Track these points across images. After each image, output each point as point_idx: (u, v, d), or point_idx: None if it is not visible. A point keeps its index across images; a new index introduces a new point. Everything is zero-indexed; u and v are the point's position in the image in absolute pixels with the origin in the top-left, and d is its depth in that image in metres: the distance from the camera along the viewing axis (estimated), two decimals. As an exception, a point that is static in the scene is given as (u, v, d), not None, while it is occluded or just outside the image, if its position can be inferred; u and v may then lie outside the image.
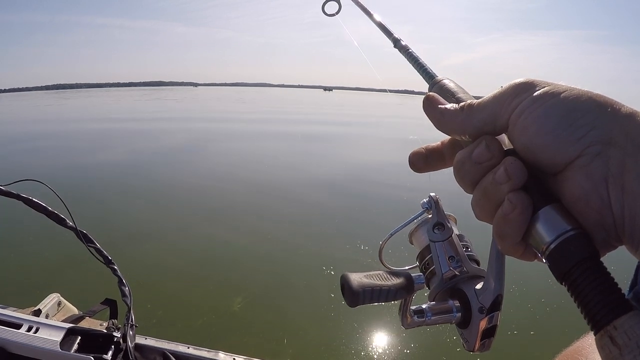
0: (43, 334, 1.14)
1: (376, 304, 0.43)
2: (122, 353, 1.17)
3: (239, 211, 6.45)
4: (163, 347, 1.27)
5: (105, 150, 11.86)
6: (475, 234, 0.49)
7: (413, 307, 0.45)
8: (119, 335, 1.19)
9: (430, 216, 0.48)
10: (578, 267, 0.31)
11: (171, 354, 1.25)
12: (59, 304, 1.42)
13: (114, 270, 1.37)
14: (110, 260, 1.40)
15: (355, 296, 0.41)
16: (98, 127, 19.05)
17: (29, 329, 1.14)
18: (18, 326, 1.15)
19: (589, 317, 0.30)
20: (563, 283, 0.32)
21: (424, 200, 0.48)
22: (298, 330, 3.42)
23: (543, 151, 0.33)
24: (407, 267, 0.49)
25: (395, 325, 3.47)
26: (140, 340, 1.29)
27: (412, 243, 0.51)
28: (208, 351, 1.29)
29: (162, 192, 7.40)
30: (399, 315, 0.46)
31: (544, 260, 0.34)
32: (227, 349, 1.35)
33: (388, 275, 0.43)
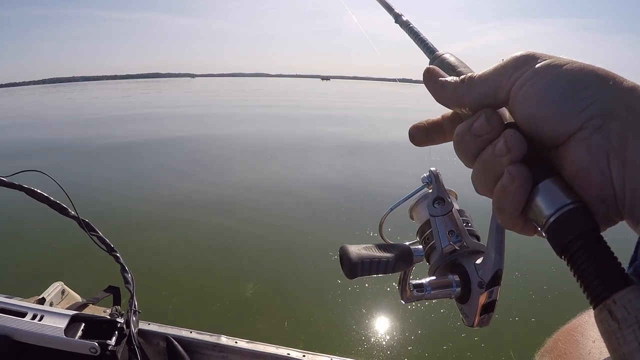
0: (48, 321, 1.15)
1: (375, 276, 0.43)
2: (125, 338, 1.18)
3: (247, 200, 6.47)
4: (166, 332, 1.29)
5: (111, 138, 11.85)
6: (474, 214, 0.49)
7: (412, 282, 0.45)
8: (122, 322, 1.20)
9: (430, 191, 0.47)
10: (578, 241, 0.30)
11: (174, 338, 1.26)
12: (63, 292, 1.43)
13: (117, 258, 1.38)
14: (113, 248, 1.41)
15: (353, 267, 0.41)
16: (103, 116, 18.98)
17: (34, 317, 1.16)
18: (23, 315, 1.16)
19: (588, 290, 0.29)
20: (562, 257, 0.32)
21: (424, 174, 0.48)
22: (309, 316, 3.47)
23: (544, 123, 0.33)
24: (407, 243, 0.49)
25: (403, 311, 3.53)
26: (144, 325, 1.30)
27: (412, 218, 0.51)
28: (210, 335, 1.31)
29: (170, 183, 7.39)
30: (398, 290, 0.46)
31: (544, 234, 0.33)
32: (243, 334, 1.37)
33: (387, 248, 0.44)
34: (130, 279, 1.32)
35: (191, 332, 1.32)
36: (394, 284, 3.97)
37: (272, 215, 5.70)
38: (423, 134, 0.45)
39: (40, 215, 2.78)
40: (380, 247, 0.43)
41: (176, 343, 1.28)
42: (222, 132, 13.69)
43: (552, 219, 0.32)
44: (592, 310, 0.29)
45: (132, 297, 1.27)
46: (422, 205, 0.48)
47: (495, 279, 0.41)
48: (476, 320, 0.43)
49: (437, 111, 0.45)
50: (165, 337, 1.27)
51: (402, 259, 0.43)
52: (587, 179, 0.31)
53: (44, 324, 1.15)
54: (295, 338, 3.15)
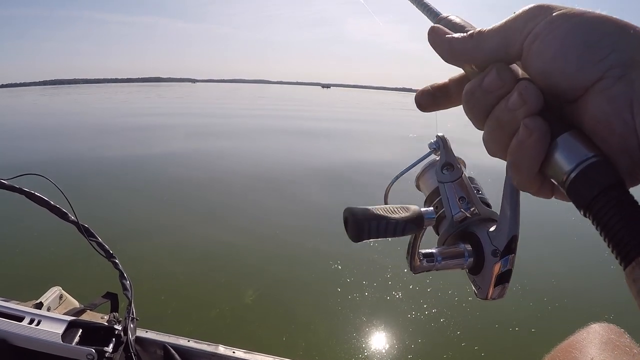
0: (45, 326, 1.15)
1: (382, 239, 0.39)
2: (122, 346, 1.18)
3: (246, 208, 6.46)
4: (163, 340, 1.28)
5: (109, 145, 11.87)
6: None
7: (422, 251, 0.43)
8: (120, 328, 1.20)
9: (438, 158, 0.45)
10: (603, 196, 0.28)
11: (171, 347, 1.26)
12: (61, 297, 1.43)
13: (115, 264, 1.38)
14: (112, 254, 1.41)
15: (359, 228, 0.38)
16: (101, 122, 19.04)
17: (31, 322, 1.15)
18: (20, 319, 1.16)
19: (617, 249, 0.27)
20: (586, 214, 0.30)
21: (432, 140, 0.45)
22: (309, 323, 3.45)
23: (560, 76, 0.31)
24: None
25: (402, 320, 3.52)
26: (141, 333, 1.30)
27: (419, 188, 0.49)
28: (208, 344, 1.30)
29: (169, 189, 7.37)
30: (407, 259, 0.43)
31: (564, 192, 0.31)
32: (243, 340, 1.36)
33: (396, 209, 0.40)
34: (128, 286, 1.32)
35: (189, 341, 1.31)
36: (393, 292, 4.00)
37: (273, 223, 5.69)
38: (429, 99, 0.43)
39: (40, 219, 2.78)
40: (389, 208, 0.40)
41: (173, 351, 1.27)
42: (221, 142, 13.70)
43: (573, 174, 0.30)
44: (590, 327, 0.29)
45: (130, 304, 1.26)
46: (430, 173, 0.46)
47: (511, 246, 0.39)
48: (490, 291, 0.41)
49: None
50: (163, 345, 1.27)
51: (413, 221, 0.39)
52: (609, 130, 0.29)
53: (41, 328, 1.14)
54: (295, 345, 3.14)
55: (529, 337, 3.29)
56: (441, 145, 0.44)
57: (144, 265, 4.18)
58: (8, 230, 5.01)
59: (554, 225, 6.20)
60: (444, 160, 0.44)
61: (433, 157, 0.46)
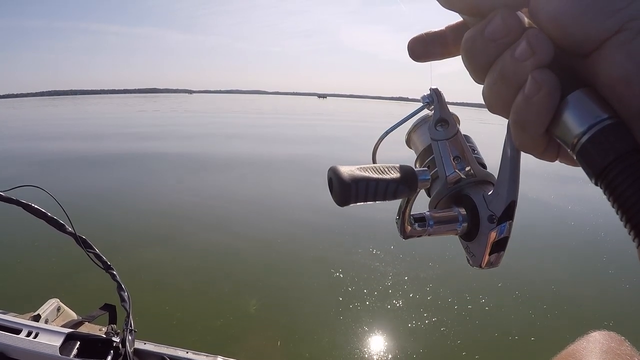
0: (42, 339, 1.14)
1: (371, 202, 0.35)
2: (121, 358, 1.17)
3: (249, 216, 6.46)
4: (162, 351, 1.27)
5: (109, 157, 11.86)
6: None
7: (413, 214, 0.39)
8: (118, 340, 1.19)
9: (431, 113, 0.41)
10: (619, 163, 0.25)
11: (170, 358, 1.25)
12: (59, 309, 1.42)
13: (113, 276, 1.37)
14: (110, 265, 1.41)
15: (345, 191, 0.33)
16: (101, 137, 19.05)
17: (29, 334, 1.15)
18: (18, 331, 1.15)
19: (631, 222, 0.24)
20: (598, 183, 0.27)
21: (425, 94, 0.41)
22: (312, 333, 3.44)
23: (573, 25, 0.27)
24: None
25: (403, 330, 3.51)
26: (140, 345, 1.29)
27: (409, 146, 0.46)
28: (207, 356, 1.29)
29: (170, 201, 7.36)
30: (397, 224, 0.40)
31: (574, 156, 0.28)
32: (248, 349, 1.35)
33: (386, 168, 0.36)
34: (126, 297, 1.31)
35: (187, 352, 1.30)
36: (394, 301, 3.99)
37: (275, 232, 5.69)
38: (423, 47, 0.38)
39: (37, 231, 2.78)
40: (378, 168, 0.35)
41: (172, 363, 1.26)
42: (222, 149, 13.72)
43: (585, 137, 0.27)
44: (589, 335, 0.28)
45: (128, 316, 1.26)
46: (423, 129, 0.43)
47: (509, 212, 0.36)
48: (485, 259, 0.38)
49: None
50: (161, 357, 1.26)
51: (405, 183, 0.35)
52: (627, 90, 0.26)
53: (39, 341, 1.14)
54: (299, 356, 3.14)
55: (530, 346, 3.28)
56: (435, 99, 0.40)
57: (148, 276, 4.17)
58: (5, 242, 4.98)
59: (553, 232, 6.21)
60: (438, 115, 0.40)
61: (426, 112, 0.42)
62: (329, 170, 0.35)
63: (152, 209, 6.73)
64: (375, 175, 0.34)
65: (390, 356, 3.20)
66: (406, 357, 3.19)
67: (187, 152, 12.73)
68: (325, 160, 11.73)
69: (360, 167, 0.35)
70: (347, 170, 0.34)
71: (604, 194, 0.26)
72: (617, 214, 0.25)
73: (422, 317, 3.66)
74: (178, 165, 10.49)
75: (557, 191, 8.73)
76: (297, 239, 5.59)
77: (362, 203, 0.35)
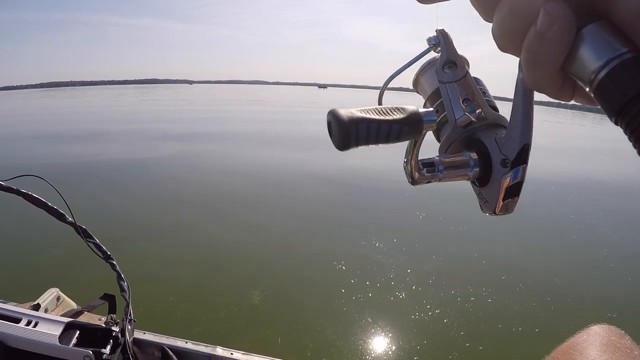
0: (42, 328, 1.14)
1: (373, 145, 0.33)
2: (120, 347, 1.17)
3: (250, 208, 6.46)
4: (161, 341, 1.27)
5: (112, 145, 11.88)
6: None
7: (421, 159, 0.38)
8: (118, 330, 1.19)
9: (438, 55, 0.39)
10: None
11: (169, 348, 1.25)
12: (58, 298, 1.42)
13: (113, 266, 1.37)
14: (109, 255, 1.40)
15: (345, 133, 0.31)
16: (102, 124, 19.08)
17: (28, 323, 1.15)
18: (17, 320, 1.15)
19: None
20: (618, 122, 0.25)
21: (431, 35, 0.39)
22: (316, 325, 3.45)
23: None
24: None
25: (407, 321, 3.52)
26: (139, 334, 1.29)
27: (416, 90, 0.44)
28: (206, 346, 1.29)
29: (172, 189, 7.38)
30: (405, 169, 0.38)
31: (591, 93, 0.26)
32: (252, 341, 1.35)
33: (389, 110, 0.33)
34: (126, 287, 1.31)
35: (186, 342, 1.30)
36: (397, 293, 3.99)
37: (279, 224, 5.70)
38: None
39: (38, 221, 2.78)
40: (381, 109, 0.33)
41: (171, 353, 1.26)
42: (224, 141, 13.71)
43: (603, 72, 0.24)
44: (590, 328, 0.27)
45: (127, 306, 1.25)
46: (430, 72, 0.41)
47: (522, 156, 0.34)
48: (499, 205, 0.36)
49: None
50: (160, 347, 1.26)
51: (410, 124, 0.33)
52: None
53: (38, 330, 1.13)
54: (303, 347, 3.15)
55: (533, 337, 3.29)
56: (442, 40, 0.39)
57: (152, 267, 4.19)
58: (5, 231, 5.02)
59: (557, 225, 6.19)
60: (445, 57, 0.38)
61: (433, 54, 0.40)
62: (328, 114, 0.33)
63: (155, 200, 6.75)
64: (378, 117, 0.32)
65: (393, 347, 3.21)
66: (410, 348, 3.20)
67: (190, 144, 12.73)
68: (329, 160, 11.71)
69: (362, 109, 0.33)
70: (347, 112, 0.32)
71: (625, 133, 0.24)
72: (639, 154, 0.24)
73: (425, 309, 3.66)
74: (183, 158, 10.49)
75: (558, 184, 8.72)
76: (300, 230, 5.60)
77: (365, 146, 0.33)
